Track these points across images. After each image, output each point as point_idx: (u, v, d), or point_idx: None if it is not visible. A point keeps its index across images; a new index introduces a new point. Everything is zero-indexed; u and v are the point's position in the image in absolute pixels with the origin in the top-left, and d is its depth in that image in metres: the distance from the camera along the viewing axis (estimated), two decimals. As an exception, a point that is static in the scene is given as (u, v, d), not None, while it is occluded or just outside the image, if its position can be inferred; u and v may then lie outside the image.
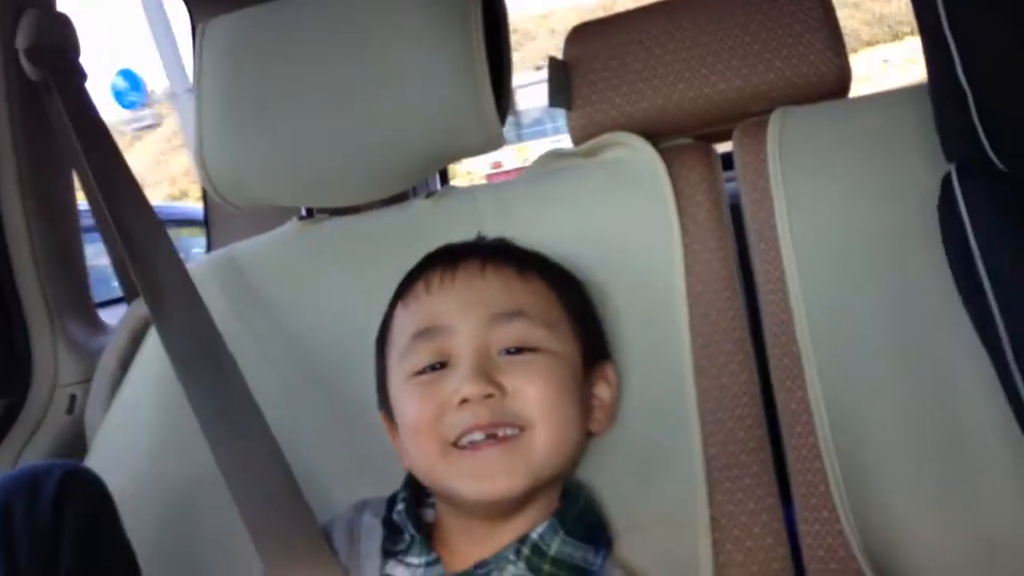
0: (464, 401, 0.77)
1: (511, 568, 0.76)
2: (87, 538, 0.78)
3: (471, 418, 0.77)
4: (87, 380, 1.18)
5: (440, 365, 0.80)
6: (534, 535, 0.77)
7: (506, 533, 0.79)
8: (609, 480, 0.86)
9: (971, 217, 0.78)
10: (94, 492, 0.82)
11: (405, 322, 0.85)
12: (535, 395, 0.78)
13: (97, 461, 1.06)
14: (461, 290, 0.83)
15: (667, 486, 0.86)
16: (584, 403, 0.83)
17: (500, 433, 0.77)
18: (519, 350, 0.80)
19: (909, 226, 0.86)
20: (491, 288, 0.83)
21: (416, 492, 0.86)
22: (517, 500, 0.78)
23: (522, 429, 0.78)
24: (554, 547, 0.77)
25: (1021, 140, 0.77)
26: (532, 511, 0.80)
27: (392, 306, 0.88)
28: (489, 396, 0.77)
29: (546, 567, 0.76)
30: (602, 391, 0.86)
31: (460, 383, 0.77)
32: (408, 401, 0.81)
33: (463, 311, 0.81)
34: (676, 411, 0.88)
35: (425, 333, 0.82)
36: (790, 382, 0.89)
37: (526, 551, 0.77)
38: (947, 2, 0.79)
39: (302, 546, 0.76)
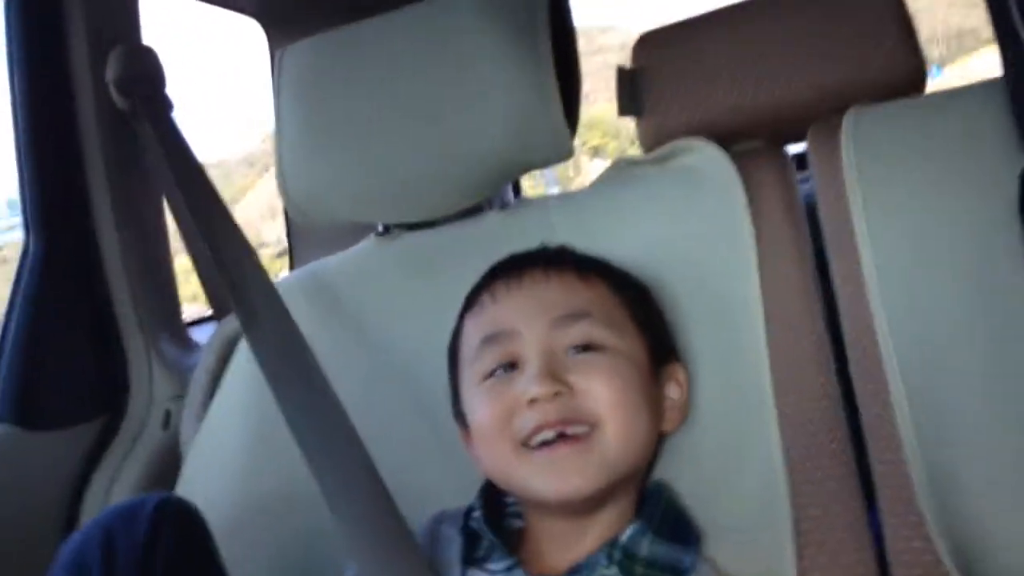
0: (533, 401, 0.78)
1: (604, 572, 0.77)
2: (181, 564, 0.80)
3: (540, 417, 0.78)
4: (181, 396, 1.23)
5: (509, 367, 0.82)
6: (623, 538, 0.78)
7: (590, 536, 0.80)
8: (690, 482, 0.86)
9: None
10: (188, 520, 0.84)
11: (473, 331, 0.87)
12: (603, 392, 0.79)
13: (191, 474, 1.10)
14: (525, 296, 0.85)
15: (749, 488, 0.85)
16: (654, 402, 0.84)
17: (570, 431, 0.78)
18: (585, 349, 0.81)
19: (990, 224, 0.84)
20: (554, 292, 0.84)
21: (493, 501, 0.87)
22: (594, 499, 0.79)
23: (592, 427, 0.78)
24: (645, 549, 0.78)
25: None
26: (613, 512, 0.81)
27: (461, 318, 0.91)
28: (557, 395, 0.78)
29: (639, 569, 0.77)
30: (672, 391, 0.87)
31: (528, 383, 0.79)
32: (478, 404, 0.83)
33: (528, 315, 0.83)
34: (755, 414, 0.88)
35: (492, 339, 0.84)
36: (872, 385, 0.87)
37: (618, 555, 0.77)
38: None
39: (400, 560, 0.77)
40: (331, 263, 1.17)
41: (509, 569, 0.80)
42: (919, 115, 0.94)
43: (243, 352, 1.13)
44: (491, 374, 0.83)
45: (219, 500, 1.04)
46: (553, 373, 0.79)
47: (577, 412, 0.79)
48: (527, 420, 0.79)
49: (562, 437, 0.78)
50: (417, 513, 0.89)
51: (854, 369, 0.89)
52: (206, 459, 1.11)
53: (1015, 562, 0.75)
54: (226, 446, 1.10)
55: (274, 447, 1.01)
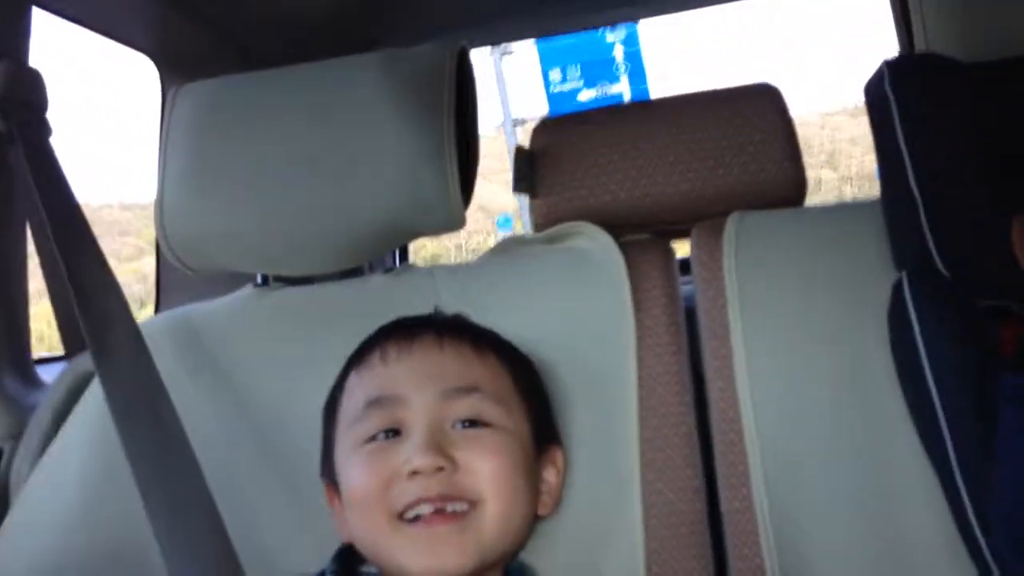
0: (414, 473, 0.76)
1: None
2: None
3: (421, 490, 0.76)
4: (18, 435, 1.14)
5: (392, 433, 0.80)
6: None
7: None
8: (551, 568, 0.85)
9: (920, 325, 0.81)
10: None
11: (358, 390, 0.84)
12: (487, 470, 0.78)
13: (19, 519, 1.02)
14: (417, 362, 0.83)
15: (608, 574, 0.85)
16: (534, 484, 0.83)
17: (449, 508, 0.76)
18: (472, 424, 0.80)
19: (859, 332, 0.88)
20: (447, 362, 0.83)
21: (348, 566, 0.83)
22: None
23: (472, 505, 0.77)
24: None
25: (968, 252, 0.80)
26: None
27: (344, 374, 0.88)
28: (440, 469, 0.76)
29: None
30: (550, 474, 0.86)
31: (411, 453, 0.77)
32: (356, 469, 0.80)
33: (418, 382, 0.81)
34: (621, 500, 0.88)
35: (378, 402, 0.81)
36: (734, 479, 0.89)
37: None
38: (903, 119, 0.83)
39: None
40: (203, 309, 1.12)
41: None
42: (799, 224, 0.98)
43: (92, 394, 1.06)
44: (372, 438, 0.80)
45: (45, 548, 0.97)
46: (438, 446, 0.77)
47: (458, 489, 0.77)
48: (406, 492, 0.76)
49: (439, 512, 0.76)
50: (268, 567, 0.87)
51: (719, 464, 0.91)
52: (37, 505, 1.02)
53: None
54: (62, 492, 1.02)
55: (115, 498, 0.95)
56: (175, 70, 1.63)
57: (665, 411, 0.93)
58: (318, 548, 0.86)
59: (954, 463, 0.76)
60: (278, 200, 1.02)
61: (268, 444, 0.98)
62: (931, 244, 0.81)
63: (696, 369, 0.97)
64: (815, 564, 0.82)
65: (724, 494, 0.90)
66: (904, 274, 0.85)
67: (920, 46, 0.98)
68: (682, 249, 1.07)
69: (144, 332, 0.94)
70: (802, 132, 1.04)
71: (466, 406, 0.80)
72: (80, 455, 1.03)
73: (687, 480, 0.90)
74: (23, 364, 1.24)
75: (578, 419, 0.92)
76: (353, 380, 0.86)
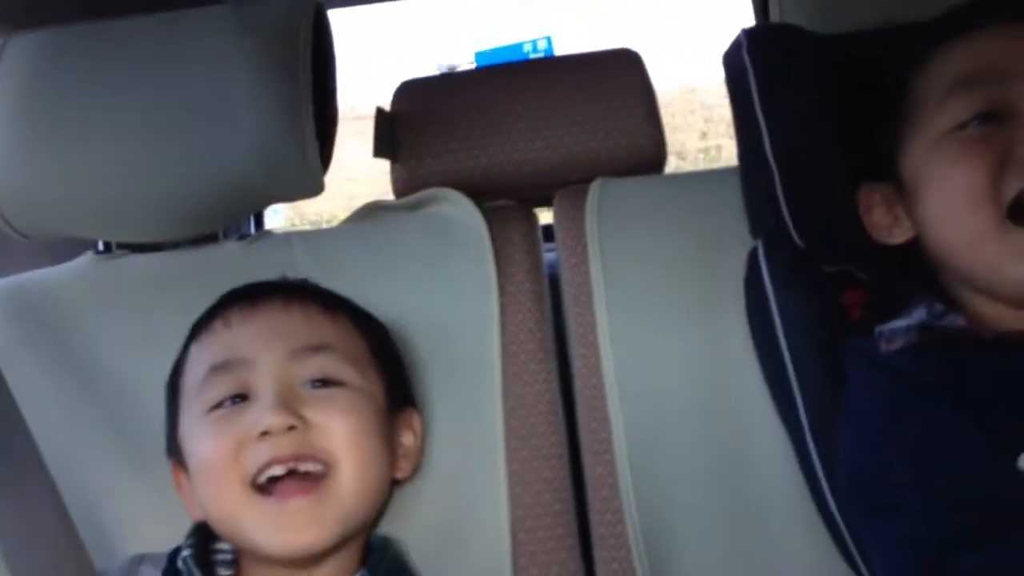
0: (265, 433, 0.73)
1: None
2: None
3: (272, 451, 0.73)
4: None
5: (240, 399, 0.76)
6: None
7: None
8: (416, 535, 0.85)
9: (774, 292, 0.83)
10: None
11: (200, 358, 0.80)
12: (340, 429, 0.76)
13: None
14: (263, 323, 0.80)
15: (472, 544, 0.85)
16: (389, 446, 0.81)
17: (303, 468, 0.74)
18: (324, 383, 0.77)
19: (719, 299, 0.90)
20: (294, 322, 0.80)
21: (203, 542, 0.80)
22: (322, 552, 0.75)
23: (327, 467, 0.75)
24: None
25: (819, 219, 0.83)
26: (336, 563, 0.77)
27: (187, 344, 0.84)
28: (291, 428, 0.74)
29: None
30: (407, 438, 0.85)
31: (261, 414, 0.74)
32: (203, 437, 0.77)
33: (265, 343, 0.78)
34: (486, 470, 0.88)
35: (222, 367, 0.78)
36: (598, 445, 0.90)
37: None
38: (759, 88, 0.84)
39: None
40: (39, 277, 1.04)
41: None
42: (660, 191, 0.99)
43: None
44: (219, 405, 0.77)
45: None
46: (288, 405, 0.75)
47: (311, 448, 0.74)
48: (257, 455, 0.73)
49: (293, 474, 0.73)
50: (114, 552, 0.83)
51: (583, 430, 0.92)
52: None
53: None
54: None
55: None
56: (6, 16, 1.51)
57: (528, 378, 0.93)
58: (171, 527, 0.82)
59: (806, 427, 0.78)
60: (121, 161, 0.95)
61: (113, 421, 0.93)
62: (785, 212, 0.83)
63: (560, 336, 0.97)
64: (676, 529, 0.84)
65: (587, 460, 0.90)
66: (760, 242, 0.87)
67: (775, 19, 1.00)
68: (545, 216, 1.07)
69: None
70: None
71: (316, 365, 0.78)
72: None
73: (551, 447, 0.91)
74: None
75: (440, 386, 0.91)
76: (195, 349, 0.82)
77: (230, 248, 1.03)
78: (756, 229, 0.88)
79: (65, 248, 1.11)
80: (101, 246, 1.08)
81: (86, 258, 1.05)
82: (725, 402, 0.87)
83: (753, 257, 0.87)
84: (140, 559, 0.81)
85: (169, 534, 0.82)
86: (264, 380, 0.76)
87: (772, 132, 0.83)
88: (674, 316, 0.91)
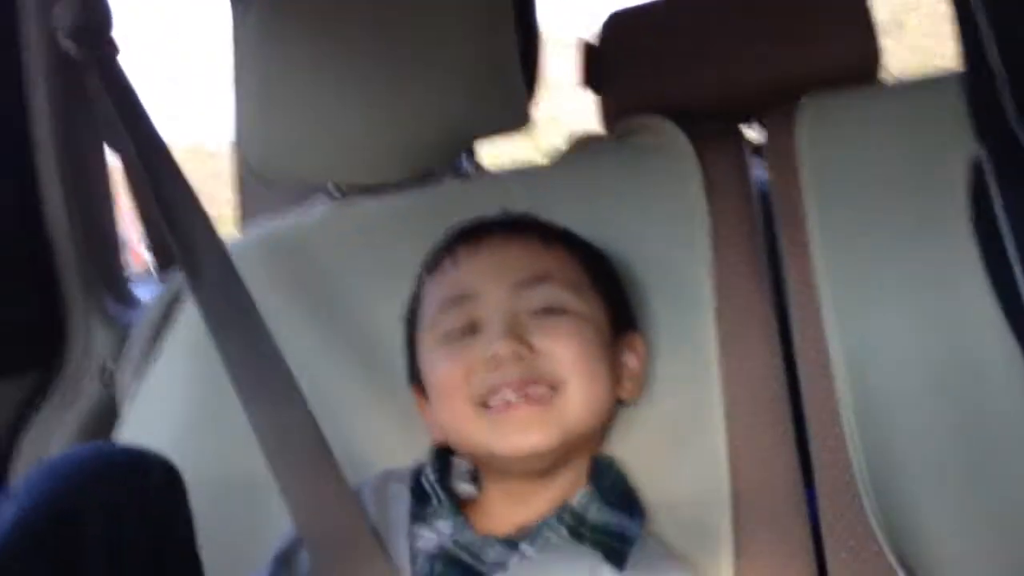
0: (494, 361, 0.78)
1: (552, 534, 0.78)
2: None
3: (501, 377, 0.78)
4: (120, 352, 1.20)
5: (469, 330, 0.82)
6: (574, 503, 0.79)
7: (541, 500, 0.80)
8: (636, 455, 0.87)
9: (1003, 200, 0.79)
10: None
11: (433, 293, 0.87)
12: (565, 354, 0.80)
13: (129, 431, 1.08)
14: (487, 258, 0.85)
15: (691, 462, 0.87)
16: (613, 368, 0.84)
17: (531, 392, 0.78)
18: (547, 312, 0.81)
19: (940, 212, 0.86)
20: (516, 255, 0.84)
21: (442, 463, 0.87)
22: (550, 460, 0.79)
23: (553, 389, 0.79)
24: (592, 514, 0.79)
25: None
26: (566, 477, 0.81)
27: (420, 280, 0.90)
28: (519, 355, 0.78)
29: (588, 534, 0.77)
30: (630, 360, 0.87)
31: (490, 343, 0.79)
32: (438, 363, 0.83)
33: (490, 278, 0.83)
34: (701, 390, 0.89)
35: (453, 301, 0.84)
36: (815, 368, 0.89)
37: (568, 519, 0.78)
38: None
39: (336, 509, 0.77)
40: (282, 226, 1.15)
41: (457, 528, 0.80)
42: (874, 103, 0.96)
43: (187, 309, 1.10)
44: (451, 335, 0.83)
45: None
46: (516, 334, 0.79)
47: (538, 373, 0.79)
48: (488, 380, 0.79)
49: (522, 397, 0.78)
50: (358, 470, 0.88)
51: (799, 352, 0.91)
52: (144, 417, 1.09)
53: (944, 545, 0.78)
54: (166, 405, 1.07)
55: (215, 408, 1.00)
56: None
57: (741, 301, 0.92)
58: (413, 452, 0.90)
59: None
60: (344, 106, 1.03)
61: (358, 353, 1.01)
62: (1012, 118, 0.78)
63: (772, 258, 0.97)
64: (899, 449, 0.82)
65: (805, 383, 0.89)
66: (984, 149, 0.82)
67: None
68: (755, 137, 1.05)
69: (229, 250, 0.97)
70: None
71: (539, 295, 0.82)
72: (181, 371, 1.08)
73: (768, 368, 0.90)
74: (119, 284, 1.30)
75: (654, 313, 0.93)
76: (428, 284, 0.88)
77: (451, 187, 1.09)
78: (980, 136, 0.84)
79: (304, 196, 1.21)
80: (335, 192, 1.17)
81: (323, 204, 1.15)
82: (948, 313, 0.83)
83: (978, 166, 0.82)
84: (387, 476, 0.88)
85: (413, 457, 0.89)
86: (491, 312, 0.81)
87: (995, 32, 0.78)
88: (893, 231, 0.87)
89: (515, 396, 0.78)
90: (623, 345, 0.87)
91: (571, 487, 0.81)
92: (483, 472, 0.85)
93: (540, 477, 0.81)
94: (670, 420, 0.89)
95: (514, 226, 0.88)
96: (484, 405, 0.79)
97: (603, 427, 0.86)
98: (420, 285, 0.90)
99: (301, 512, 0.78)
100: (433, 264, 0.89)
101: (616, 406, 0.87)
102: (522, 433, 0.78)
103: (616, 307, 0.88)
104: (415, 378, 0.90)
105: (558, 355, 0.80)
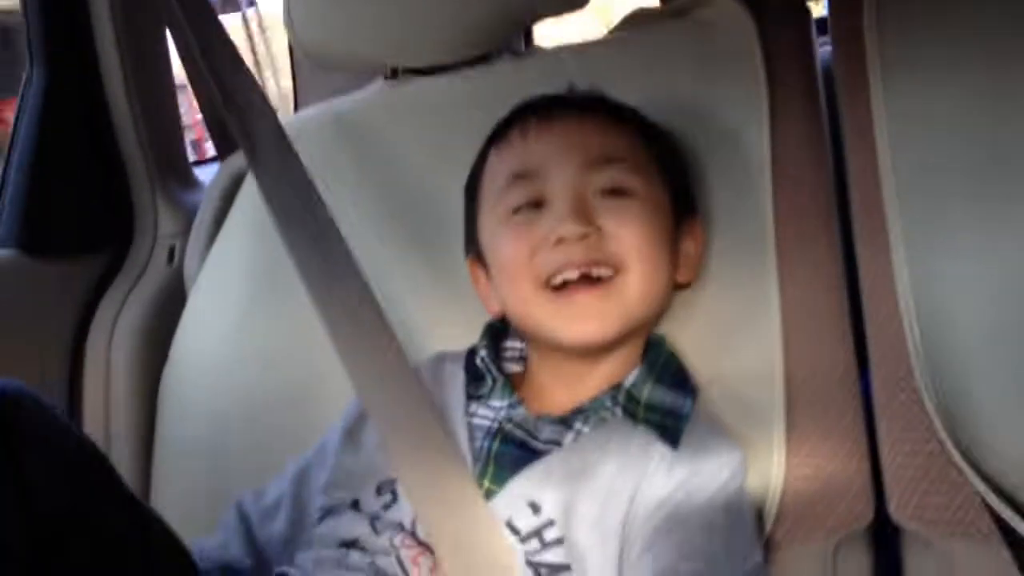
0: (560, 240, 0.78)
1: (607, 413, 0.79)
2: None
3: (566, 257, 0.78)
4: (185, 232, 1.23)
5: (535, 206, 0.82)
6: (627, 383, 0.80)
7: (594, 379, 0.82)
8: (690, 335, 0.88)
9: None
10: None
11: (499, 166, 0.86)
12: (630, 237, 0.80)
13: (195, 310, 1.12)
14: (558, 135, 0.84)
15: (745, 341, 0.87)
16: (674, 253, 0.85)
17: (594, 273, 0.78)
18: (614, 193, 0.81)
19: (1013, 90, 0.82)
20: (588, 134, 0.83)
21: (496, 342, 0.88)
22: (608, 344, 0.80)
23: (616, 271, 0.79)
24: (646, 393, 0.80)
25: None
26: (619, 357, 0.82)
27: (484, 152, 0.90)
28: (584, 236, 0.78)
29: (641, 412, 0.78)
30: (688, 245, 0.87)
31: (556, 222, 0.79)
32: (503, 240, 0.83)
33: (560, 155, 0.82)
34: (758, 273, 0.88)
35: (521, 176, 0.83)
36: (873, 248, 0.87)
37: (622, 398, 0.79)
38: None
39: (397, 382, 0.79)
40: (338, 106, 1.15)
41: (511, 406, 0.81)
42: None
43: (248, 191, 1.13)
44: (517, 210, 0.82)
45: (224, 329, 1.07)
46: (582, 214, 0.79)
47: (602, 253, 0.79)
48: (552, 259, 0.79)
49: (585, 279, 0.78)
50: (421, 352, 0.92)
51: (858, 231, 0.89)
52: (210, 296, 1.12)
53: (1001, 436, 0.77)
54: (230, 283, 1.11)
55: (278, 285, 1.03)
56: None
57: (801, 178, 0.91)
58: (466, 325, 0.91)
59: None
60: None
61: (414, 228, 1.03)
62: None
63: (835, 134, 0.94)
64: (954, 332, 0.80)
65: (863, 264, 0.88)
66: None
67: None
68: (817, 9, 1.01)
69: (286, 130, 0.98)
70: None
71: (607, 176, 0.81)
72: (244, 250, 1.11)
73: (825, 248, 0.89)
74: (182, 166, 1.33)
75: (714, 192, 0.92)
76: (494, 157, 0.88)
77: (505, 65, 1.08)
78: None
79: (358, 81, 1.21)
80: (389, 73, 1.16)
81: (377, 85, 1.14)
82: (1014, 201, 0.80)
83: None
84: (442, 356, 0.90)
85: (460, 333, 0.91)
86: (559, 190, 0.81)
87: None
88: (960, 108, 0.84)
89: (577, 274, 0.78)
90: (684, 230, 0.87)
91: (623, 367, 0.82)
92: (538, 352, 0.86)
93: (594, 357, 0.82)
94: (725, 302, 0.89)
95: (586, 104, 0.87)
96: (547, 285, 0.79)
97: (662, 311, 0.86)
98: (484, 157, 0.89)
99: (364, 385, 0.79)
100: (500, 137, 0.88)
101: (673, 290, 0.87)
102: (582, 321, 0.78)
103: (680, 191, 0.87)
104: (472, 249, 0.90)
105: (623, 238, 0.79)
